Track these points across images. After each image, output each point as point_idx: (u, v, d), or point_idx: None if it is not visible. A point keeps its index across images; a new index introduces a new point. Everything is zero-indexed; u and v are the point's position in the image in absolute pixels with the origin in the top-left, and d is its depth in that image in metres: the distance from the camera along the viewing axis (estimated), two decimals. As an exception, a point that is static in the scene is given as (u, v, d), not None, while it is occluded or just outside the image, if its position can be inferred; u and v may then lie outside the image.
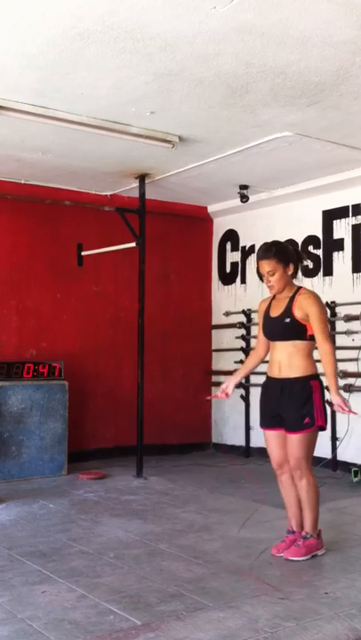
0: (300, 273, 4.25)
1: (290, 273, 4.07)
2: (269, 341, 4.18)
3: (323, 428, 4.04)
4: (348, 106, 4.86)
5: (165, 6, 3.49)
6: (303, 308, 3.98)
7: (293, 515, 4.12)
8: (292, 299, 4.03)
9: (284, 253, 4.08)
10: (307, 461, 3.99)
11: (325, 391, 4.03)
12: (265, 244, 4.16)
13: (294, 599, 3.36)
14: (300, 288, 4.09)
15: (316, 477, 6.23)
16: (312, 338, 4.00)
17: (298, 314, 3.98)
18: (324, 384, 4.03)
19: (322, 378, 4.06)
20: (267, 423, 4.13)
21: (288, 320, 3.99)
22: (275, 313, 4.10)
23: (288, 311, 4.01)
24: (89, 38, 3.84)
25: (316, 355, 4.05)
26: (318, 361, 4.04)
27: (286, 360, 4.01)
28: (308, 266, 7.23)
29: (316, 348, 4.03)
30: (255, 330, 7.43)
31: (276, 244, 4.16)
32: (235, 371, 7.73)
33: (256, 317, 6.22)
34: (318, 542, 4.05)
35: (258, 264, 4.13)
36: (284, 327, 4.02)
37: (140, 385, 6.54)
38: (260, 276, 4.15)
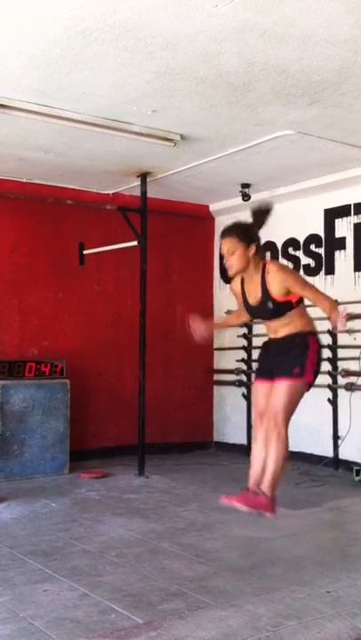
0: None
1: (251, 253, 4.00)
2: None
3: (310, 386, 3.99)
4: (349, 104, 4.85)
5: (167, 5, 3.49)
6: (278, 284, 3.91)
7: (255, 478, 4.01)
8: (263, 281, 3.96)
9: (245, 233, 4.02)
10: (285, 413, 3.90)
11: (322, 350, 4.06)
12: (228, 223, 4.13)
13: (296, 598, 3.36)
14: (265, 265, 4.01)
15: (318, 476, 6.30)
16: (299, 302, 3.98)
17: (277, 292, 3.92)
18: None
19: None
20: (262, 373, 4.11)
21: (271, 304, 3.95)
22: (253, 299, 4.05)
23: (266, 295, 3.96)
24: (90, 37, 3.84)
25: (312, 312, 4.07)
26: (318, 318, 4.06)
27: (281, 326, 4.00)
28: (310, 265, 7.23)
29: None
30: (257, 328, 7.43)
31: (237, 223, 4.11)
32: (236, 369, 7.81)
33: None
34: (269, 504, 3.89)
35: (220, 243, 4.08)
36: (271, 311, 3.99)
37: (142, 384, 6.55)
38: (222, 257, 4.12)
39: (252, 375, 7.65)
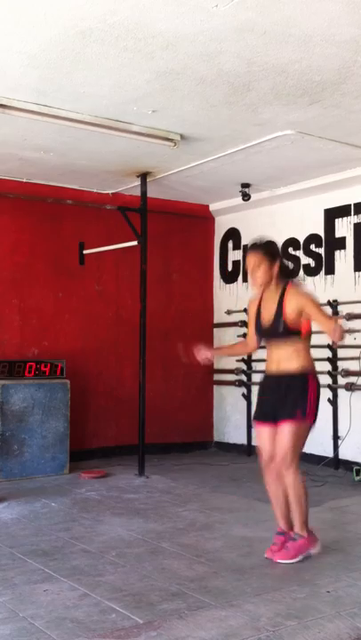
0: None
1: (275, 270, 4.06)
2: (266, 340, 4.20)
3: (314, 422, 4.04)
4: (349, 104, 4.85)
5: (167, 5, 3.49)
6: (294, 302, 3.97)
7: (282, 514, 4.05)
8: (281, 299, 4.02)
9: (271, 249, 4.11)
10: (293, 454, 3.93)
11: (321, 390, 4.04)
12: (256, 238, 4.21)
13: (296, 598, 3.36)
14: (286, 285, 4.07)
15: (318, 476, 6.31)
16: (307, 338, 4.03)
17: (289, 311, 3.96)
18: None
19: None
20: (261, 416, 4.11)
21: (281, 325, 3.99)
22: (266, 315, 4.09)
23: (279, 313, 4.00)
24: (90, 37, 3.84)
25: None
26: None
27: (284, 356, 4.02)
28: (310, 264, 7.23)
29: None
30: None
31: (264, 239, 4.18)
32: (236, 369, 7.81)
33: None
34: (309, 540, 3.97)
35: (246, 257, 4.16)
36: (278, 330, 4.01)
37: (142, 384, 6.55)
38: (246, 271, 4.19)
39: (252, 375, 7.67)
